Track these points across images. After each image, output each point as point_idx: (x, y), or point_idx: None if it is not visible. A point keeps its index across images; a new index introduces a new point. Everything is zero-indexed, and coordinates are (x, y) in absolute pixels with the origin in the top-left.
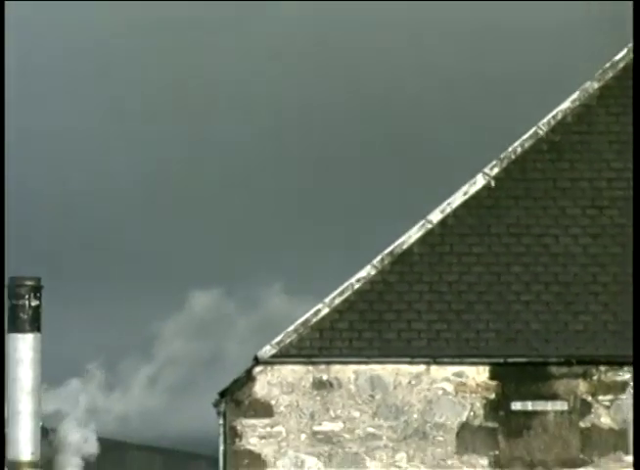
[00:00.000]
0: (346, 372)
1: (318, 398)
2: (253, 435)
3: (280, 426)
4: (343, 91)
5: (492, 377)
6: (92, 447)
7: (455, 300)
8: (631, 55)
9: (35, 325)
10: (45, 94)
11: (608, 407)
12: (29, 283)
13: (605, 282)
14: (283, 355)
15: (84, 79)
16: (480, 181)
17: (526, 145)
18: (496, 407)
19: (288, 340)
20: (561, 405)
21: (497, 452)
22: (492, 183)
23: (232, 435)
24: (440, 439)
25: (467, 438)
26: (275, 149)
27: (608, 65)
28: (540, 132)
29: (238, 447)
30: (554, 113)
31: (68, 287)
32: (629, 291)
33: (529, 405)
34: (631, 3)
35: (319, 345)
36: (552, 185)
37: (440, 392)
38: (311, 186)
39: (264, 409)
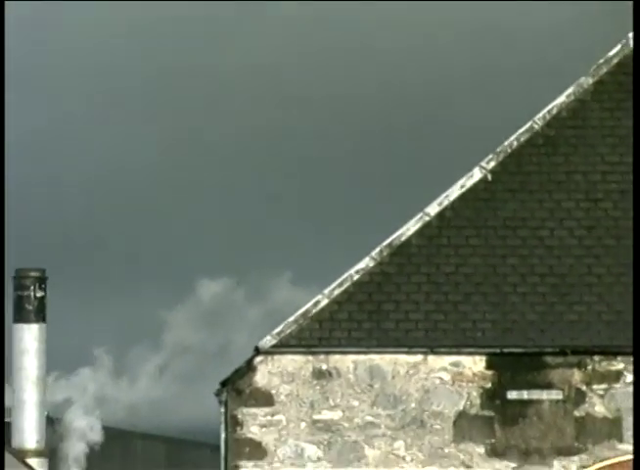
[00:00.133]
0: (345, 362)
1: (318, 387)
2: (254, 423)
3: (280, 415)
4: (343, 85)
5: (488, 367)
6: (97, 435)
7: (452, 291)
8: (625, 51)
9: (40, 316)
10: (49, 93)
11: (602, 396)
12: (34, 274)
13: (599, 273)
14: (283, 346)
15: (88, 78)
16: (476, 174)
17: (522, 139)
18: (492, 396)
19: (288, 330)
20: (556, 394)
21: (493, 440)
22: (489, 176)
23: (233, 423)
24: (438, 427)
25: (464, 426)
26: (280, 144)
27: (602, 60)
28: (536, 126)
29: (239, 436)
30: (549, 107)
31: (76, 277)
32: (623, 282)
33: (525, 394)
34: (631, 3)
35: (319, 335)
36: (547, 178)
37: (438, 381)
38: (317, 179)
39: (265, 398)
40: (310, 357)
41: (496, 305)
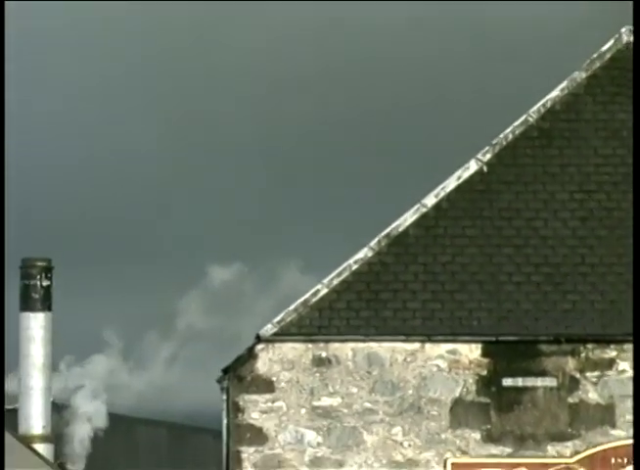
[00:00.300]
0: (345, 350)
1: (317, 374)
2: (255, 410)
3: (281, 401)
4: (342, 78)
5: (484, 354)
6: (101, 421)
7: (449, 280)
8: (618, 46)
9: (46, 304)
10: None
11: (595, 383)
12: (40, 264)
13: (593, 263)
14: (284, 334)
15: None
16: (472, 166)
17: (517, 132)
18: (488, 383)
19: (288, 319)
20: (550, 381)
21: (489, 426)
22: (485, 168)
23: (235, 410)
24: (435, 413)
25: (460, 412)
26: (292, 132)
27: (595, 55)
28: (530, 120)
29: (240, 422)
30: (544, 101)
31: (88, 263)
32: (616, 271)
33: (520, 382)
34: (631, 3)
35: (318, 323)
36: (542, 170)
37: (435, 368)
38: (331, 167)
39: (266, 385)
40: (310, 345)
41: (492, 294)
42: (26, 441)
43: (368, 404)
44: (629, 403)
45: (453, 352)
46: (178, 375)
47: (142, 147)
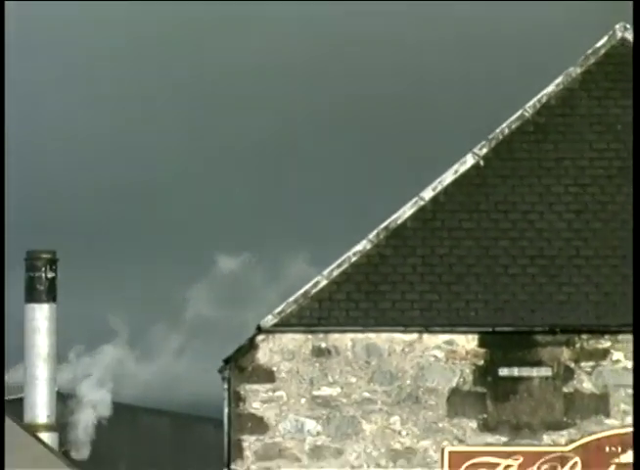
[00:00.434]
0: (344, 340)
1: (317, 364)
2: (256, 399)
3: (281, 391)
4: (341, 71)
5: (481, 345)
6: (106, 410)
7: (446, 272)
8: (612, 42)
9: (51, 296)
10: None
11: (589, 373)
12: (45, 256)
13: (587, 256)
14: (284, 325)
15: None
16: (469, 161)
17: (513, 126)
18: (484, 373)
19: (288, 310)
20: (545, 371)
21: (485, 416)
22: (481, 162)
23: (236, 399)
24: (432, 403)
25: (457, 402)
26: (301, 124)
27: (590, 51)
28: (526, 114)
29: (242, 411)
30: (539, 96)
31: (96, 253)
32: (610, 264)
33: (516, 371)
34: (631, 3)
35: (318, 314)
36: (537, 164)
37: (432, 359)
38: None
39: (266, 375)
40: (310, 336)
41: (488, 285)
42: (31, 429)
43: (367, 394)
44: (623, 393)
45: (450, 342)
46: (184, 365)
47: (148, 134)
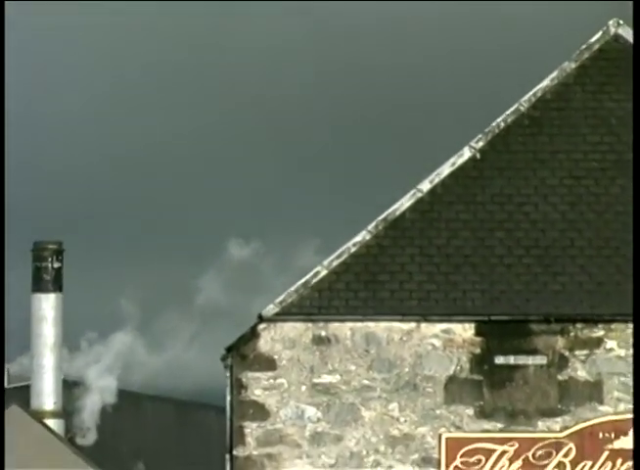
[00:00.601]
0: (343, 329)
1: (317, 352)
2: (258, 386)
3: (282, 378)
4: (341, 63)
5: (477, 333)
6: (110, 396)
7: (443, 262)
8: (606, 37)
9: (57, 286)
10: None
11: (583, 361)
12: (52, 247)
13: (581, 246)
14: (285, 314)
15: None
16: (466, 153)
17: (509, 120)
18: (481, 361)
19: (289, 299)
20: (540, 360)
21: (482, 403)
22: (478, 155)
23: (238, 387)
24: (430, 390)
25: (454, 389)
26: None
27: (584, 46)
28: (522, 108)
29: (243, 398)
30: (534, 90)
31: (107, 240)
32: (604, 254)
33: (512, 360)
34: (631, 3)
35: (318, 304)
36: (532, 157)
37: (430, 347)
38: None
39: (268, 363)
40: (310, 325)
41: (484, 275)
42: (38, 416)
43: (366, 381)
44: (616, 381)
45: (447, 331)
46: (193, 353)
47: (157, 124)
